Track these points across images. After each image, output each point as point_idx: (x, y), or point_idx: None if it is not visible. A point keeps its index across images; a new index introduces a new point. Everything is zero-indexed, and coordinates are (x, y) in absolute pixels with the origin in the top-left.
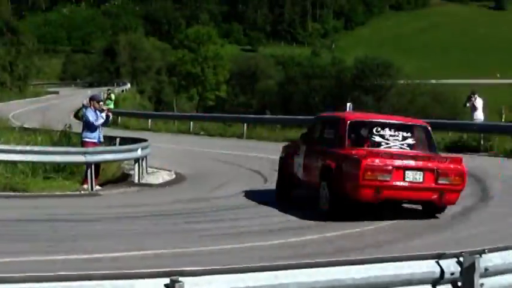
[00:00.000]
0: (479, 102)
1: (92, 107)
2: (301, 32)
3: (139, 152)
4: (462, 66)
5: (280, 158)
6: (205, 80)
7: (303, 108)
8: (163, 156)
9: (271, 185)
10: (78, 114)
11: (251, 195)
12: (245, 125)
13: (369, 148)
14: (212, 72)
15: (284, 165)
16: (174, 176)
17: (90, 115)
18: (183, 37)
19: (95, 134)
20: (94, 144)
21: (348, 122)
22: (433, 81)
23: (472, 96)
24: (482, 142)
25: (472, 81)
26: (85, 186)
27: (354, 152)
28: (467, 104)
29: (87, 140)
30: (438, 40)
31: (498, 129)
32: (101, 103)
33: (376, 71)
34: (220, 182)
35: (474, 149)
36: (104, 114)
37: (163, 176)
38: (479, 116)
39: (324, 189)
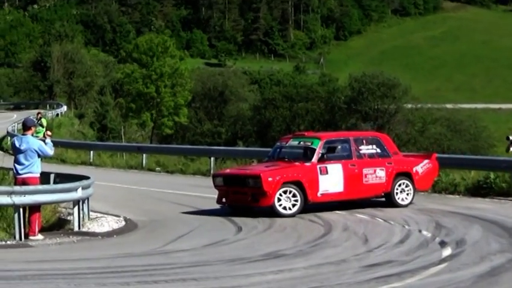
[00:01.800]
0: None
1: (31, 133)
2: (281, 42)
3: (79, 193)
4: (485, 86)
5: None
6: (161, 102)
7: None
8: (110, 198)
9: (247, 235)
10: (2, 144)
11: (222, 249)
12: (212, 159)
13: None
14: (170, 93)
15: None
16: (123, 223)
17: (44, 144)
18: (132, 48)
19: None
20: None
21: None
22: (449, 105)
23: None
24: None
25: (497, 106)
26: (34, 236)
27: None
28: (511, 149)
29: (33, 175)
30: (453, 53)
31: None
32: (33, 128)
33: (377, 91)
34: (182, 232)
35: (504, 193)
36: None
37: (109, 223)
38: None
39: None
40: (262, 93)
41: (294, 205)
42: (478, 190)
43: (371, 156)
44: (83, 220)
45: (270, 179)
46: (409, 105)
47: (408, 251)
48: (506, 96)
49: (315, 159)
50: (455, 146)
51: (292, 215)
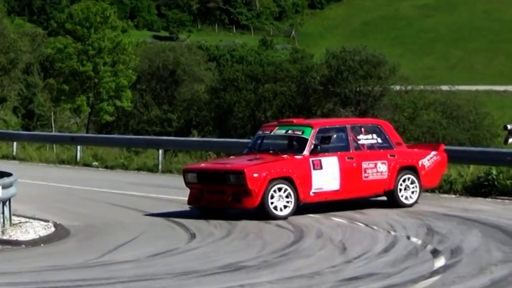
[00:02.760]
0: None
1: None
2: (245, 11)
3: None
4: (487, 65)
5: None
6: (100, 83)
7: (248, 127)
8: (36, 199)
9: (201, 243)
10: None
11: (171, 259)
12: (161, 151)
13: None
14: (110, 72)
15: None
16: (52, 229)
17: None
18: (65, 18)
19: None
20: None
21: None
22: (445, 87)
23: None
24: None
25: (502, 88)
26: None
27: None
28: (510, 140)
29: None
30: (450, 25)
31: None
32: None
33: (359, 70)
34: (123, 240)
35: (508, 192)
36: None
37: (36, 229)
38: None
39: None
40: (221, 72)
41: (285, 206)
42: (478, 188)
43: (371, 147)
44: (3, 226)
45: (255, 175)
46: (398, 87)
47: (394, 261)
48: None
49: (307, 151)
50: (451, 136)
51: (285, 218)
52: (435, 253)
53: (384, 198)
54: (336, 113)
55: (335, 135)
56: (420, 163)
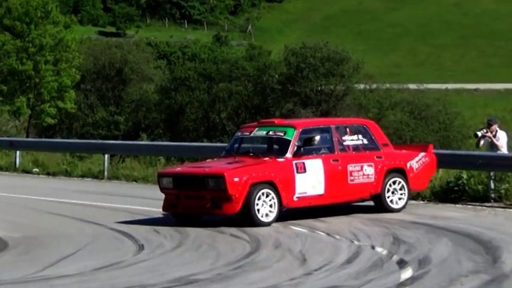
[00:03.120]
0: (501, 137)
1: None
2: (197, 5)
3: None
4: (457, 61)
5: None
6: (41, 83)
7: (201, 129)
8: None
9: (150, 255)
10: None
11: (117, 273)
12: (106, 157)
13: None
14: (52, 71)
15: None
16: None
17: None
18: (3, 13)
19: None
20: None
21: None
22: (412, 85)
23: (488, 129)
24: (492, 185)
25: (473, 86)
26: None
27: None
28: (481, 143)
29: None
30: (417, 19)
31: None
32: None
33: (321, 68)
34: (66, 252)
35: (479, 197)
36: None
37: None
38: None
39: None
40: (172, 70)
41: (271, 211)
42: (448, 194)
43: (356, 148)
44: None
45: (236, 179)
46: (362, 86)
47: (357, 273)
48: (484, 73)
49: (289, 153)
50: (419, 138)
51: (269, 224)
52: (402, 264)
53: (371, 203)
54: (296, 113)
55: (319, 136)
56: (408, 165)
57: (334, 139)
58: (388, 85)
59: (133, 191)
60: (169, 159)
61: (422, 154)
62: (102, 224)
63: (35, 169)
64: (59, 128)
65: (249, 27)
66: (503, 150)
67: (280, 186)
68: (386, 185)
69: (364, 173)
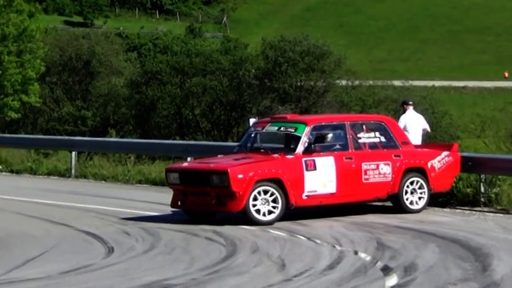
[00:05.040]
0: (411, 118)
1: None
2: None
3: None
4: (445, 57)
5: None
6: (4, 75)
7: (174, 126)
8: None
9: (120, 258)
10: None
11: (86, 277)
12: (74, 153)
13: None
14: (16, 63)
15: None
16: None
17: None
18: None
19: None
20: None
21: None
22: (397, 82)
23: (405, 106)
24: (482, 189)
25: (461, 84)
26: None
27: None
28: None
29: None
30: (403, 12)
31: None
32: None
33: (300, 63)
34: (31, 254)
35: (468, 201)
36: None
37: None
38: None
39: None
40: (143, 64)
41: (272, 211)
42: (435, 198)
43: (373, 146)
44: None
45: (240, 176)
46: (344, 82)
47: (340, 279)
48: (473, 70)
49: (299, 150)
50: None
51: (270, 223)
52: (386, 270)
53: (389, 203)
54: (274, 110)
55: (332, 133)
56: (430, 164)
57: (348, 136)
58: (371, 82)
59: (102, 190)
60: (140, 157)
61: (445, 153)
62: (70, 225)
63: None
64: (23, 123)
65: (224, 18)
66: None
67: (287, 184)
68: (404, 185)
69: (381, 171)
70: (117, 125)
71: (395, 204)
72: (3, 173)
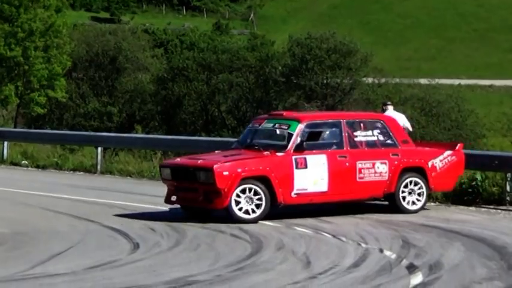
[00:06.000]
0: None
1: None
2: None
3: None
4: (471, 56)
5: None
6: (30, 70)
7: (199, 123)
8: None
9: (145, 254)
10: None
11: (111, 273)
12: (100, 149)
13: None
14: (42, 58)
15: None
16: None
17: None
18: None
19: None
20: None
21: None
22: (424, 80)
23: (384, 107)
24: (508, 188)
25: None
26: None
27: None
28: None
29: None
30: (430, 10)
31: None
32: None
33: (327, 60)
34: (57, 249)
35: (494, 200)
36: None
37: None
38: None
39: None
40: (169, 60)
41: (256, 208)
42: (461, 196)
43: (370, 145)
44: None
45: (225, 173)
46: (370, 80)
47: (365, 277)
48: (500, 69)
49: (290, 148)
50: (430, 136)
51: (254, 221)
52: (411, 269)
53: (386, 202)
54: (300, 107)
55: (327, 131)
56: (430, 164)
57: (344, 134)
58: (398, 79)
59: (128, 186)
60: (166, 153)
61: (448, 153)
62: (95, 221)
63: (23, 161)
64: (49, 119)
65: (251, 15)
66: None
67: (275, 182)
68: (401, 184)
69: (377, 170)
70: (143, 121)
71: (392, 204)
72: (29, 169)
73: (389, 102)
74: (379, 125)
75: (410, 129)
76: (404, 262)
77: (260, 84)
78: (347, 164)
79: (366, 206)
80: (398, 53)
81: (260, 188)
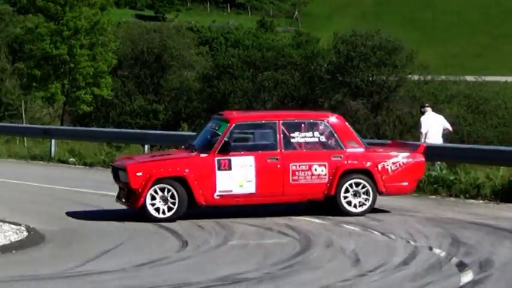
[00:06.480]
0: (430, 119)
1: None
2: None
3: None
4: None
5: None
6: (76, 68)
7: None
8: (6, 199)
9: (194, 252)
10: None
11: (161, 270)
12: (146, 147)
13: None
14: (88, 56)
15: None
16: (25, 233)
17: None
18: None
19: None
20: None
21: None
22: (470, 77)
23: (422, 109)
24: None
25: None
26: None
27: None
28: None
29: None
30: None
31: None
32: None
33: (372, 57)
34: (106, 246)
35: None
36: None
37: (6, 234)
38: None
39: None
40: (214, 57)
41: (171, 208)
42: (510, 194)
43: (310, 146)
44: None
45: (138, 173)
46: (416, 77)
47: (414, 275)
48: None
49: (214, 149)
50: (478, 134)
51: (168, 220)
52: (461, 267)
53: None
54: (346, 105)
55: (257, 132)
56: (380, 166)
57: (278, 135)
58: (443, 77)
59: None
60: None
61: (403, 155)
62: (144, 218)
63: (71, 159)
64: (95, 117)
65: (296, 12)
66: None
67: (193, 183)
68: (342, 187)
69: (314, 172)
70: (189, 118)
71: (333, 206)
72: (77, 166)
73: (427, 104)
74: (322, 126)
75: (451, 129)
76: (454, 260)
77: (305, 81)
78: (278, 165)
79: (413, 204)
80: (443, 50)
81: (175, 189)
